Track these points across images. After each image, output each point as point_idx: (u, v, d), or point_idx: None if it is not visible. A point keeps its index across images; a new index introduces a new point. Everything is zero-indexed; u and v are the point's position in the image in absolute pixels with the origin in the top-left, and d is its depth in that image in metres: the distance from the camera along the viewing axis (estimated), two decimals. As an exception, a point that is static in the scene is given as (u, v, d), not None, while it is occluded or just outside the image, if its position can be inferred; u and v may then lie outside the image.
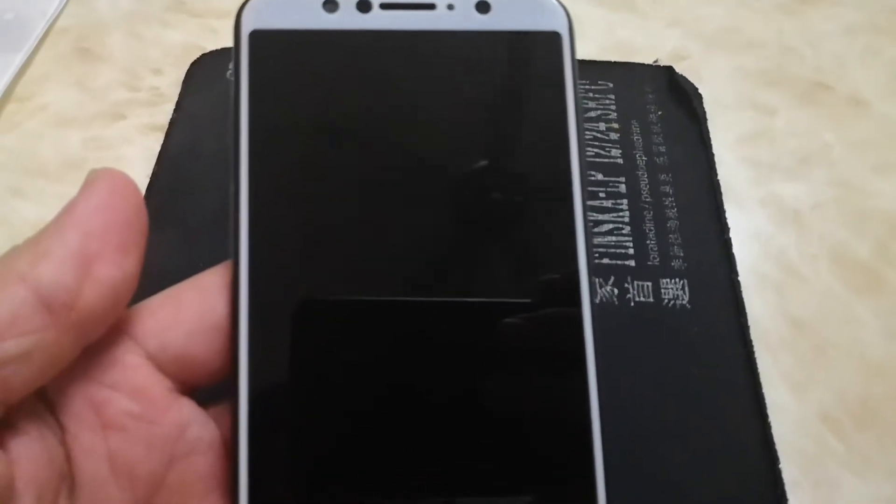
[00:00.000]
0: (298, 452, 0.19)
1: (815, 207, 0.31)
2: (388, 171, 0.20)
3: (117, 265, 0.16)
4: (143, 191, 0.29)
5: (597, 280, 0.28)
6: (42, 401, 0.17)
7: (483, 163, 0.20)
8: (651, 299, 0.27)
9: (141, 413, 0.19)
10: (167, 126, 0.32)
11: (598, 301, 0.27)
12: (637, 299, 0.27)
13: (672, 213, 0.30)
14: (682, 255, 0.28)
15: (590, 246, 0.20)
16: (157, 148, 0.31)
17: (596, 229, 0.29)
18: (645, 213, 0.30)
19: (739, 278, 0.28)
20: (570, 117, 0.20)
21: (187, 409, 0.19)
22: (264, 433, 0.19)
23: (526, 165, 0.20)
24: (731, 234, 0.29)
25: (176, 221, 0.29)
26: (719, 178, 0.31)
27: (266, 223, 0.19)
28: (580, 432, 0.18)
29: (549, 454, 0.19)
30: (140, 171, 0.30)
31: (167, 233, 0.28)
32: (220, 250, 0.21)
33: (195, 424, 0.19)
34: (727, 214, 0.30)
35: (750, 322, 0.27)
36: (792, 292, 0.28)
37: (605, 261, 0.28)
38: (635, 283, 0.28)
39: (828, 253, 0.29)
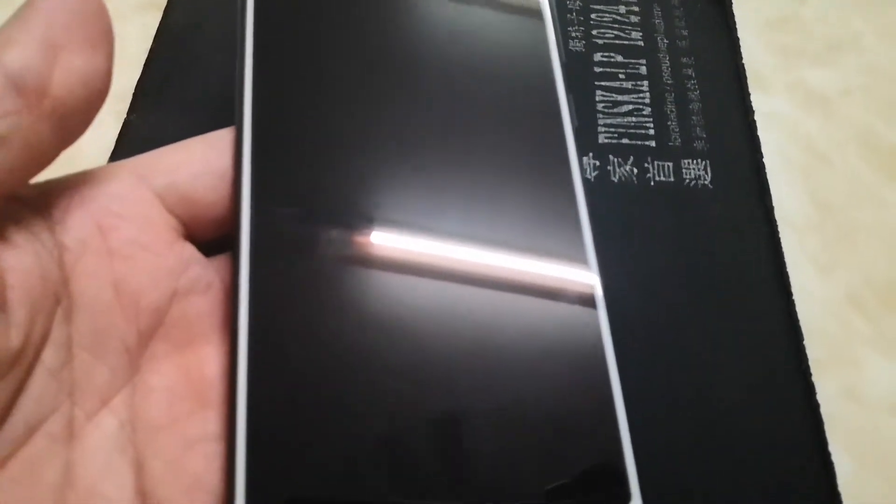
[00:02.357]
0: (299, 307, 0.18)
1: (843, 94, 0.29)
2: (388, 86, 0.20)
3: (86, 58, 0.16)
4: (141, 66, 0.28)
5: (615, 159, 0.26)
6: (41, 217, 0.16)
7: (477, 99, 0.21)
8: (672, 179, 0.26)
9: (147, 243, 0.18)
10: (165, 2, 0.30)
11: (616, 180, 0.26)
12: (657, 178, 0.26)
13: (694, 95, 0.28)
14: (704, 136, 0.27)
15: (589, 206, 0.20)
16: (154, 25, 0.29)
17: (614, 109, 0.28)
18: (666, 94, 0.28)
19: (764, 160, 0.27)
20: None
21: (189, 250, 0.19)
22: (265, 285, 0.18)
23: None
24: (756, 119, 0.28)
25: (176, 98, 0.27)
26: (744, 62, 0.29)
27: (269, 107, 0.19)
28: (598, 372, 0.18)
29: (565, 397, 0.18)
30: (136, 48, 0.29)
31: (168, 109, 0.27)
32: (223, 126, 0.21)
33: (197, 265, 0.19)
34: (752, 99, 0.28)
35: (774, 204, 0.26)
36: (818, 176, 0.27)
37: (625, 141, 0.27)
38: (655, 162, 0.26)
39: (856, 139, 0.28)
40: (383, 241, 0.19)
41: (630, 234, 0.25)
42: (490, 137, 0.20)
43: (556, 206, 0.20)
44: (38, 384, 0.16)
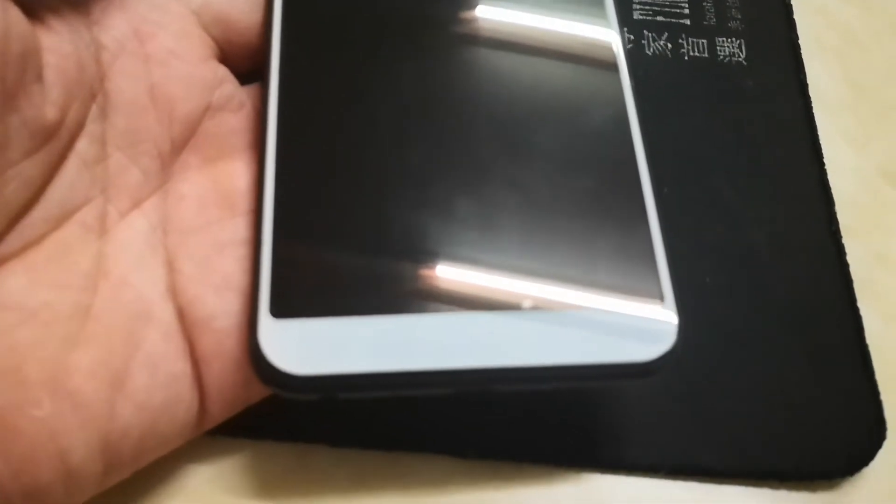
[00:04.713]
0: (325, 128, 0.18)
1: (882, -14, 0.29)
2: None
3: None
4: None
5: (649, 34, 0.26)
6: (80, 15, 0.17)
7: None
8: (706, 55, 0.26)
9: (183, 54, 0.18)
10: None
11: (650, 53, 0.26)
12: (691, 54, 0.26)
13: (730, -23, 0.28)
14: (739, 17, 0.27)
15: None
16: None
17: (650, -12, 0.28)
18: (702, -24, 0.28)
19: (800, 45, 0.27)
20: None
21: (223, 71, 0.19)
22: (293, 107, 0.18)
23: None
24: (794, 4, 0.28)
25: None
26: (782, -48, 0.29)
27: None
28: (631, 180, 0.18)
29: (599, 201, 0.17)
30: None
31: None
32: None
33: (230, 84, 0.19)
34: (788, -14, 0.28)
35: (809, 82, 0.26)
36: (854, 59, 0.27)
37: (659, 18, 0.27)
38: (689, 39, 0.26)
39: (893, 27, 0.28)
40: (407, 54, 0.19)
41: (664, 102, 0.25)
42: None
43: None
44: (72, 171, 0.16)
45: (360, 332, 0.15)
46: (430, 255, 0.17)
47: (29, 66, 0.15)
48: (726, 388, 0.20)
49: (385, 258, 0.17)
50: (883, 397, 0.20)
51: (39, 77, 0.15)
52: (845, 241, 0.23)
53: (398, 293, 0.16)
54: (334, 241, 0.17)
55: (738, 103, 0.25)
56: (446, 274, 0.16)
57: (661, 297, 0.16)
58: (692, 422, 0.20)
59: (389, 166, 0.18)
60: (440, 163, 0.18)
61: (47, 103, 0.15)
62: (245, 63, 0.20)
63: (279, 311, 0.16)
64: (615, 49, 0.20)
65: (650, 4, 0.27)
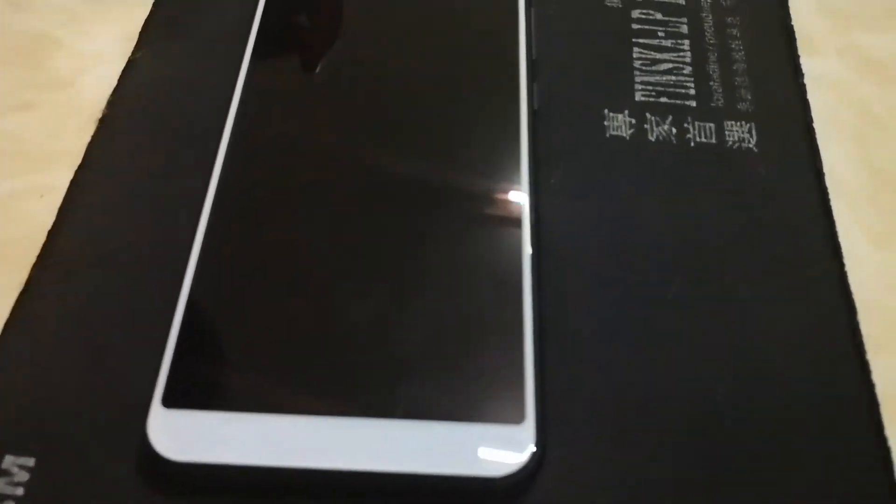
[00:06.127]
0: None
1: (901, 60, 0.27)
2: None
3: None
4: (149, 6, 0.26)
5: (652, 118, 0.24)
6: None
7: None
8: (713, 140, 0.24)
9: None
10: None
11: (653, 139, 0.24)
12: (698, 139, 0.24)
13: (739, 55, 0.26)
14: (749, 97, 0.25)
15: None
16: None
17: (652, 67, 0.26)
18: (709, 54, 0.26)
19: (814, 125, 0.25)
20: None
21: None
22: None
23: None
24: (806, 82, 0.26)
25: (185, 37, 0.26)
26: (793, 25, 0.27)
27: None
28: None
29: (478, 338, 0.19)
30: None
31: (175, 49, 0.26)
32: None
33: None
34: (801, 62, 0.26)
35: (826, 171, 0.24)
36: (872, 140, 0.25)
37: (663, 100, 0.25)
38: (696, 123, 0.24)
39: (915, 106, 0.26)
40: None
41: (668, 196, 0.23)
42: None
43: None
44: None
45: (241, 427, 0.17)
46: (316, 361, 0.18)
47: None
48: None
49: (271, 363, 0.18)
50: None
51: None
52: (871, 354, 0.20)
53: (279, 395, 0.18)
54: (231, 343, 0.19)
55: (750, 194, 0.23)
56: (327, 379, 0.18)
57: (522, 418, 0.18)
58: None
59: (294, 279, 0.20)
60: (342, 281, 0.20)
61: None
62: None
63: (170, 401, 0.17)
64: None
65: (653, 84, 0.25)
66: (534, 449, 0.17)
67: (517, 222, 0.21)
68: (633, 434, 0.19)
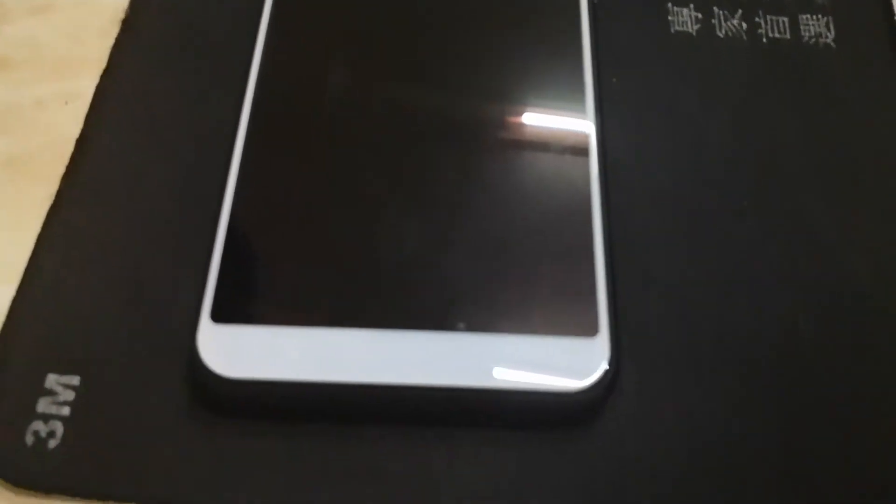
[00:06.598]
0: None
1: None
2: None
3: None
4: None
5: (720, 11, 0.22)
6: None
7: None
8: (787, 36, 0.22)
9: None
10: None
11: (721, 35, 0.22)
12: (770, 35, 0.22)
13: (814, -59, 0.24)
14: (825, -12, 0.23)
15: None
16: None
17: (719, -44, 0.23)
18: (780, -60, 0.24)
19: (896, 19, 0.22)
20: None
21: None
22: None
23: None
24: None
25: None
26: None
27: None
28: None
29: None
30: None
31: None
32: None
33: None
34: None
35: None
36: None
37: (731, -9, 0.23)
38: (768, 17, 0.22)
39: None
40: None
41: (738, 99, 0.21)
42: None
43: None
44: None
45: (294, 342, 0.16)
46: (370, 272, 0.17)
47: None
48: (815, 452, 0.17)
49: (326, 273, 0.17)
50: None
51: None
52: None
53: (336, 308, 0.17)
54: (279, 255, 0.18)
55: (827, 99, 0.21)
56: (386, 291, 0.17)
57: (595, 331, 0.17)
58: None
59: (343, 191, 0.18)
60: (395, 190, 0.19)
61: None
62: None
63: (220, 315, 0.16)
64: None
65: (719, -25, 0.23)
66: (607, 366, 0.16)
67: (584, 135, 0.19)
68: (707, 367, 0.17)
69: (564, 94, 0.20)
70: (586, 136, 0.19)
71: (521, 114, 0.20)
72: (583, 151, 0.19)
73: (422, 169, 0.19)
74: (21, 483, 0.16)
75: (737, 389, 0.17)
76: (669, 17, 0.22)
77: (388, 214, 0.18)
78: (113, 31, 0.22)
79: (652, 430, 0.17)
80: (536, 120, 0.20)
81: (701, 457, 0.16)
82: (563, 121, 0.20)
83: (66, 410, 0.16)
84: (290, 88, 0.20)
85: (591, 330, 0.16)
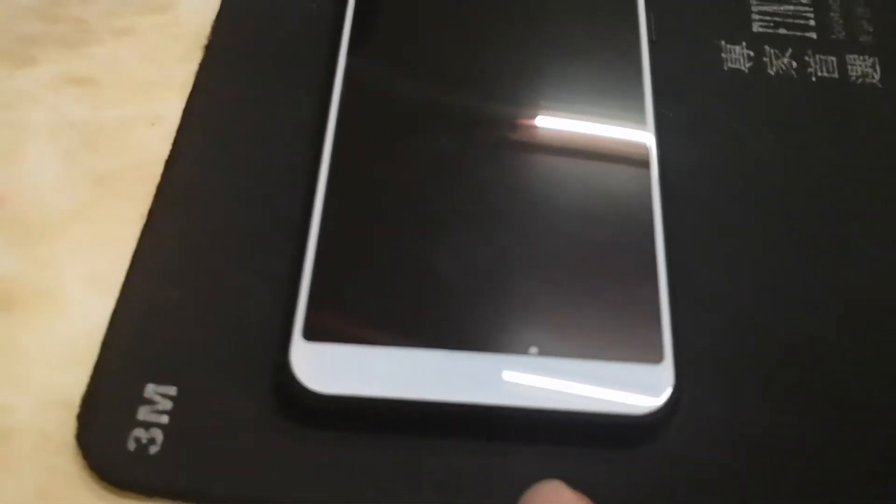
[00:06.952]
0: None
1: None
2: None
3: None
4: None
5: (771, 50, 0.24)
6: None
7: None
8: (836, 75, 0.23)
9: None
10: None
11: (773, 73, 0.23)
12: (819, 74, 0.23)
13: (860, -16, 0.25)
14: (871, 30, 0.24)
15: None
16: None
17: (770, -4, 0.25)
18: (828, -18, 0.25)
19: (940, 60, 0.24)
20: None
21: None
22: None
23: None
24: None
25: None
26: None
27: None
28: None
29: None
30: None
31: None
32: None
33: None
34: (924, -9, 0.25)
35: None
36: None
37: (781, 31, 0.24)
38: (817, 56, 0.24)
39: None
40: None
41: (788, 132, 0.22)
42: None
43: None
44: None
45: (380, 361, 0.17)
46: (451, 296, 0.18)
47: None
48: (875, 473, 0.18)
49: (411, 297, 0.19)
50: None
51: None
52: None
53: (420, 329, 0.18)
54: (367, 276, 0.19)
55: (873, 133, 0.22)
56: (472, 315, 0.18)
57: (661, 358, 0.18)
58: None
59: (428, 215, 0.20)
60: (479, 213, 0.20)
61: None
62: None
63: (312, 335, 0.17)
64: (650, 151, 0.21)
65: (771, 15, 0.24)
66: (672, 390, 0.17)
67: (644, 162, 0.20)
68: (761, 384, 0.19)
69: (628, 123, 0.21)
70: (647, 164, 0.20)
71: (588, 141, 0.21)
72: (644, 180, 0.20)
73: (503, 194, 0.20)
74: (125, 486, 0.17)
75: (790, 407, 0.18)
76: (723, 55, 0.23)
77: (471, 238, 0.19)
78: (191, 56, 0.23)
79: (708, 448, 0.18)
80: (602, 147, 0.21)
81: (757, 472, 0.17)
82: (626, 149, 0.21)
83: (164, 419, 0.17)
84: (372, 104, 0.21)
85: (656, 357, 0.18)
